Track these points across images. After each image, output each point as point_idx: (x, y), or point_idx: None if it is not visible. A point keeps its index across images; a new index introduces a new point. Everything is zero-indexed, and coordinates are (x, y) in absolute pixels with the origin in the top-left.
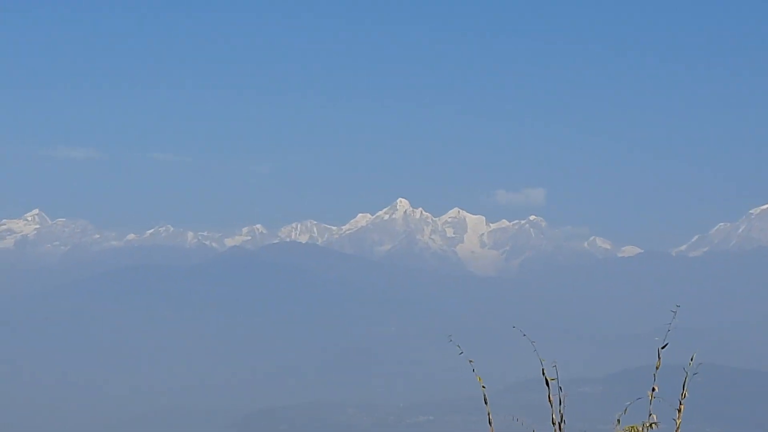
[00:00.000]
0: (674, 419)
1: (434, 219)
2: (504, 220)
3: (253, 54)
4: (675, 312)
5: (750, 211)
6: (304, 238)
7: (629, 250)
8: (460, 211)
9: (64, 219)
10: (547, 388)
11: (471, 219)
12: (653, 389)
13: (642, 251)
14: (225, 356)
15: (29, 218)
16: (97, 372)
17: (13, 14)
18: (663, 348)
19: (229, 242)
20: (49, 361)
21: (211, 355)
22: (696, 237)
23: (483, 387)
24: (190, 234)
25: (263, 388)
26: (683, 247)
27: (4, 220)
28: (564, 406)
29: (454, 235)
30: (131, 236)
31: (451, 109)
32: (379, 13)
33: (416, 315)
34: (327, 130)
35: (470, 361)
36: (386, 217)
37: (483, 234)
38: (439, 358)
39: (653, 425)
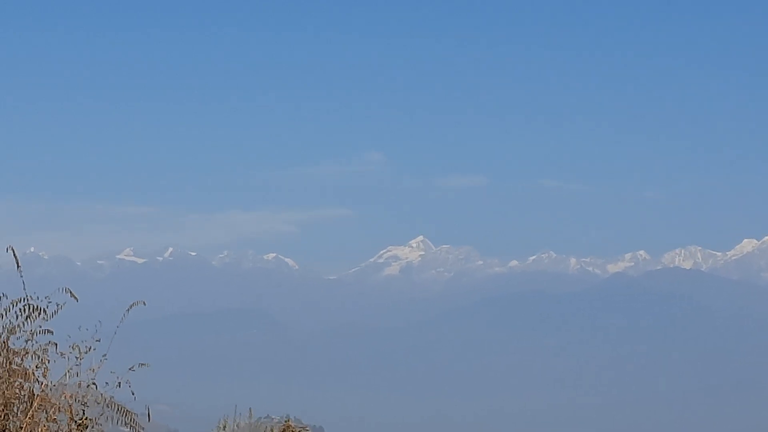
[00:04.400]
0: None
1: None
2: None
3: (638, 83)
4: None
5: None
6: (687, 264)
7: None
8: None
9: (448, 246)
10: None
11: None
12: None
13: None
14: (611, 384)
15: (414, 245)
16: (482, 398)
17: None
18: None
19: (612, 268)
20: (430, 386)
21: (592, 380)
22: None
23: None
24: (573, 260)
25: (643, 417)
26: None
27: (390, 247)
28: None
29: None
30: (514, 263)
31: None
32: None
33: None
34: (711, 155)
35: None
36: None
37: None
38: None
39: None
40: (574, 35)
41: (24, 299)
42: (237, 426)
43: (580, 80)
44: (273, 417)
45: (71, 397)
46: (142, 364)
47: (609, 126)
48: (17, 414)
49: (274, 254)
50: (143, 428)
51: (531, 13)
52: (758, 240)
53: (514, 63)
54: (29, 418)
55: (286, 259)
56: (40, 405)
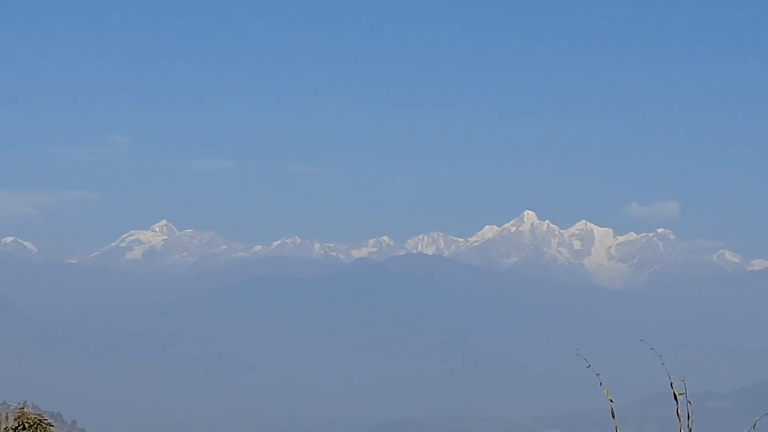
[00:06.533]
0: None
1: (561, 231)
2: (632, 233)
3: (392, 67)
4: None
5: None
6: (430, 250)
7: (759, 264)
8: (588, 223)
9: (191, 230)
10: (675, 402)
11: (598, 231)
12: None
13: None
14: (351, 367)
15: (157, 229)
16: (222, 383)
17: (154, 29)
18: None
19: (356, 254)
20: (175, 372)
21: (337, 365)
22: None
23: (611, 401)
24: (317, 245)
25: (390, 399)
26: None
27: (132, 231)
28: (692, 421)
29: (581, 248)
30: (258, 247)
31: (581, 124)
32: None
33: (543, 327)
34: (456, 143)
35: (598, 375)
36: (513, 229)
37: (611, 246)
38: (567, 371)
39: None
40: (324, 15)
41: None
42: None
43: (324, 62)
44: (10, 404)
45: None
46: None
47: (355, 111)
48: None
49: (12, 238)
50: None
51: None
52: (499, 227)
53: (261, 45)
54: None
55: (25, 243)
56: None
